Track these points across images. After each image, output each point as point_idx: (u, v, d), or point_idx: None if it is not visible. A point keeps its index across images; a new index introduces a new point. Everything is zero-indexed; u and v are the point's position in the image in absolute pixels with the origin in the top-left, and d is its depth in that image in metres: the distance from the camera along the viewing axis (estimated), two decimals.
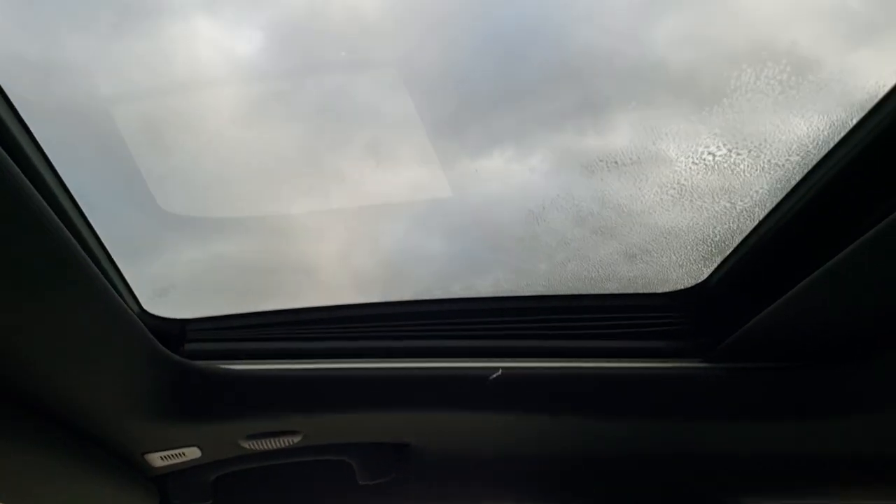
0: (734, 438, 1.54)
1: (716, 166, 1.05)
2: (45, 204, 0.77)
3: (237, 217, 1.29)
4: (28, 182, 0.73)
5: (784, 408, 1.47)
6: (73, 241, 0.84)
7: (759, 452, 1.59)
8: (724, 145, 1.02)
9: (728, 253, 1.23)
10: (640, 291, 1.36)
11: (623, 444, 1.55)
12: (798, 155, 0.99)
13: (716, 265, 1.26)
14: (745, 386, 1.43)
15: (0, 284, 0.81)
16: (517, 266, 1.32)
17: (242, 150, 1.23)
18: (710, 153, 1.03)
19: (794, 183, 1.06)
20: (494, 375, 1.30)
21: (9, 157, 0.69)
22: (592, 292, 1.40)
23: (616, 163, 1.07)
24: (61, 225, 0.81)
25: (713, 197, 1.10)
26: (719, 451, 1.56)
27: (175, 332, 1.36)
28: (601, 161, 1.07)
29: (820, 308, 1.16)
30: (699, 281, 1.32)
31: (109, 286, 0.96)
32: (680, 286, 1.33)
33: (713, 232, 1.17)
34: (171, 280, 1.29)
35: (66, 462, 1.27)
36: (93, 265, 0.90)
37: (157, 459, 1.49)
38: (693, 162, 1.06)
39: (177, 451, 1.47)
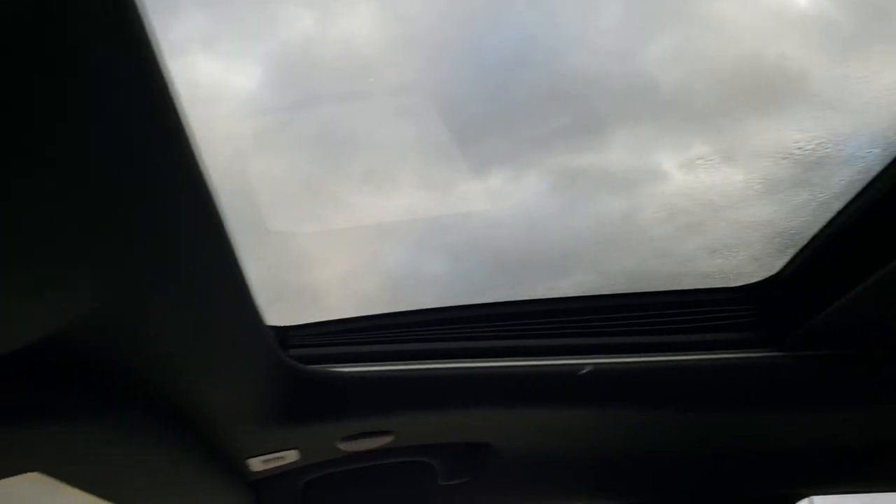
0: (808, 428, 1.60)
1: (803, 160, 1.13)
2: (217, 209, 0.85)
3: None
4: (211, 191, 0.81)
5: (856, 396, 1.53)
6: (231, 244, 0.91)
7: (830, 443, 1.64)
8: (813, 140, 1.09)
9: (802, 245, 1.30)
10: (716, 286, 1.43)
11: (702, 439, 1.61)
12: (879, 147, 1.06)
13: (789, 257, 1.32)
14: (818, 375, 1.48)
15: (166, 287, 0.88)
16: (599, 267, 1.39)
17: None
18: (798, 147, 1.11)
19: (873, 174, 1.13)
20: (584, 371, 1.37)
21: (200, 162, 0.77)
22: (669, 288, 1.47)
23: (708, 159, 1.15)
24: (225, 229, 0.89)
25: (795, 189, 1.17)
26: (795, 441, 1.62)
27: (279, 338, 1.43)
28: (699, 158, 1.15)
29: (894, 298, 1.22)
30: (773, 273, 1.39)
31: (251, 294, 1.03)
32: (754, 279, 1.39)
33: (790, 224, 1.24)
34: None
35: (178, 463, 1.34)
36: (242, 271, 0.98)
37: (258, 463, 1.56)
38: (782, 157, 1.14)
39: (278, 455, 1.54)
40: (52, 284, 0.77)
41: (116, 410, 1.08)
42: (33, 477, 1.10)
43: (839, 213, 1.27)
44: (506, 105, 1.31)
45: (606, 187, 1.38)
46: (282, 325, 1.45)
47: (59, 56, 0.55)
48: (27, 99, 0.57)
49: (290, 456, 1.56)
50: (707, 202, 1.25)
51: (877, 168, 1.12)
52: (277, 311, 1.32)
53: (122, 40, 0.59)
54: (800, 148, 1.12)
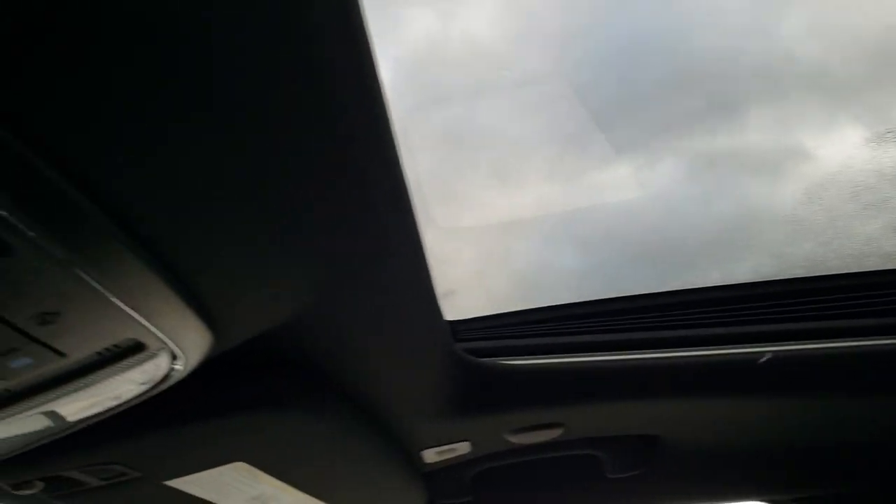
0: None
1: None
2: (412, 205, 0.87)
3: None
4: (408, 187, 0.83)
5: None
6: (421, 239, 0.93)
7: None
8: None
9: None
10: None
11: (893, 428, 1.53)
12: None
13: None
14: None
15: (367, 281, 0.91)
16: (777, 250, 1.34)
17: None
18: None
19: None
20: (764, 359, 1.32)
21: (401, 160, 0.79)
22: (852, 270, 1.40)
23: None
24: (417, 225, 0.91)
25: None
26: None
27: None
28: (889, 132, 1.09)
29: None
30: None
31: (434, 288, 1.05)
32: None
33: None
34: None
35: (361, 454, 1.38)
36: (429, 265, 1.00)
37: (432, 455, 1.58)
38: None
39: (450, 447, 1.56)
40: (276, 281, 0.81)
41: (313, 402, 1.12)
42: (238, 466, 1.16)
43: None
44: (635, 91, 1.28)
45: (750, 169, 1.32)
46: (450, 319, 1.47)
47: (292, 57, 0.58)
48: (267, 101, 0.60)
49: (462, 448, 1.58)
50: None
51: None
52: None
53: (342, 38, 0.62)
54: None
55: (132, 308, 0.66)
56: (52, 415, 0.84)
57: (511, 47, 1.21)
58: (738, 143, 1.28)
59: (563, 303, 1.52)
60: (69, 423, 0.88)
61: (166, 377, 0.82)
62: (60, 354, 0.68)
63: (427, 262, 1.00)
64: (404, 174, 0.82)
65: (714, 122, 1.26)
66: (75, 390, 0.78)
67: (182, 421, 1.03)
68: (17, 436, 0.85)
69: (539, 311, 1.53)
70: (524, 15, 1.26)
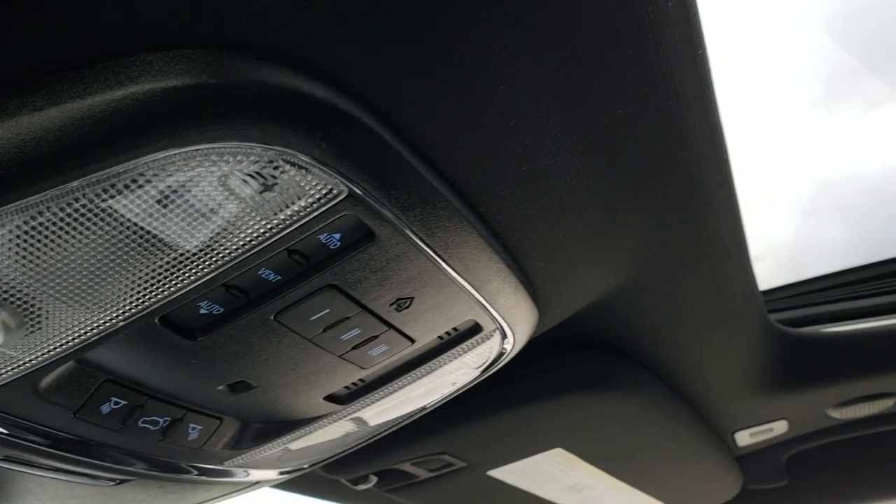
0: None
1: None
2: (731, 170, 0.80)
3: None
4: (727, 152, 0.77)
5: None
6: (739, 207, 0.86)
7: None
8: None
9: None
10: None
11: None
12: None
13: None
14: None
15: (686, 252, 0.86)
16: None
17: None
18: None
19: None
20: None
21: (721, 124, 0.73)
22: None
23: None
24: (735, 192, 0.84)
25: None
26: None
27: None
28: None
29: None
30: None
31: (750, 257, 0.98)
32: None
33: None
34: None
35: (675, 439, 1.32)
36: (745, 233, 0.92)
37: (746, 437, 1.49)
38: None
39: (766, 427, 1.46)
40: (599, 257, 0.78)
41: (628, 384, 1.09)
42: (556, 452, 1.15)
43: None
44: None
45: None
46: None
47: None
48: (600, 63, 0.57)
49: (779, 427, 1.47)
50: None
51: None
52: None
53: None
54: None
55: (476, 289, 0.66)
56: (392, 406, 0.87)
57: None
58: None
59: (877, 261, 1.37)
60: (407, 413, 0.92)
61: (497, 360, 0.82)
62: (410, 340, 0.70)
63: (744, 229, 0.94)
64: (725, 139, 0.77)
65: None
66: (418, 378, 0.80)
67: (504, 407, 1.04)
68: (363, 428, 0.89)
69: (851, 273, 1.40)
70: None
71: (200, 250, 0.52)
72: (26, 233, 0.46)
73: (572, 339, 0.99)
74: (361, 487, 1.19)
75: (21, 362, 0.55)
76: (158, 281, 0.52)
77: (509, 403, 1.03)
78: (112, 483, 0.76)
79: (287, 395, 0.71)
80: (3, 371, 0.55)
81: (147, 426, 0.67)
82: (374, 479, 1.19)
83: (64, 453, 0.67)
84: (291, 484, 1.28)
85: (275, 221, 0.51)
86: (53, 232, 0.46)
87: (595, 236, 0.72)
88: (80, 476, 0.73)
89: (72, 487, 0.75)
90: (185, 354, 0.61)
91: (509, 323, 0.75)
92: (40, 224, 0.46)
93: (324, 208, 0.51)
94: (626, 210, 0.72)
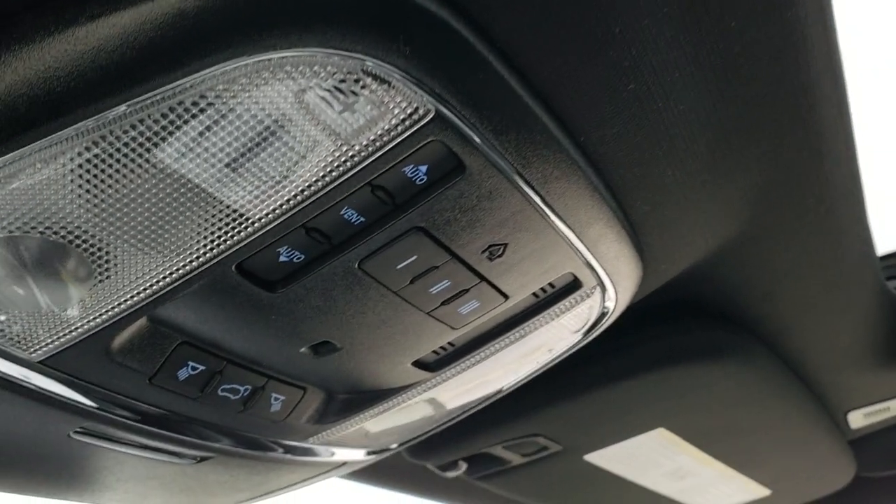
0: None
1: None
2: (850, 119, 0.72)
3: None
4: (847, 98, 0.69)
5: None
6: (857, 160, 0.78)
7: None
8: None
9: None
10: None
11: None
12: None
13: None
14: None
15: (795, 210, 0.77)
16: None
17: None
18: None
19: None
20: None
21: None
22: None
23: None
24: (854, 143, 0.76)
25: None
26: None
27: None
28: None
29: None
30: None
31: (868, 217, 0.89)
32: None
33: None
34: None
35: (785, 418, 1.23)
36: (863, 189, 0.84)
37: (859, 417, 1.38)
38: None
39: (882, 406, 1.35)
40: (707, 207, 0.71)
41: (736, 357, 1.01)
42: (658, 433, 1.07)
43: None
44: None
45: None
46: None
47: None
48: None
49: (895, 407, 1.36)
50: None
51: None
52: None
53: None
54: None
55: (576, 233, 0.60)
56: (484, 376, 0.81)
57: None
58: None
59: None
60: (499, 387, 0.85)
61: (597, 322, 0.75)
62: (504, 296, 0.64)
63: (860, 176, 0.85)
64: (843, 68, 0.69)
65: None
66: (512, 342, 0.74)
67: (602, 383, 0.97)
68: (453, 403, 0.83)
69: None
70: None
71: (277, 182, 0.47)
72: (88, 161, 0.42)
73: (675, 305, 0.92)
74: (451, 474, 1.14)
75: (91, 317, 0.50)
76: (233, 219, 0.48)
77: (608, 378, 0.96)
78: (192, 461, 0.72)
79: (373, 359, 0.66)
80: (73, 328, 0.51)
81: (227, 395, 0.63)
82: (463, 466, 1.13)
83: (140, 425, 0.63)
84: (374, 472, 1.23)
85: (356, 148, 0.46)
86: (117, 160, 0.42)
87: (705, 174, 0.65)
88: (159, 452, 0.69)
89: (152, 466, 0.72)
90: (265, 310, 0.56)
91: (612, 278, 0.68)
92: (103, 151, 0.42)
93: (409, 132, 0.46)
94: (740, 144, 0.64)
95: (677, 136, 0.59)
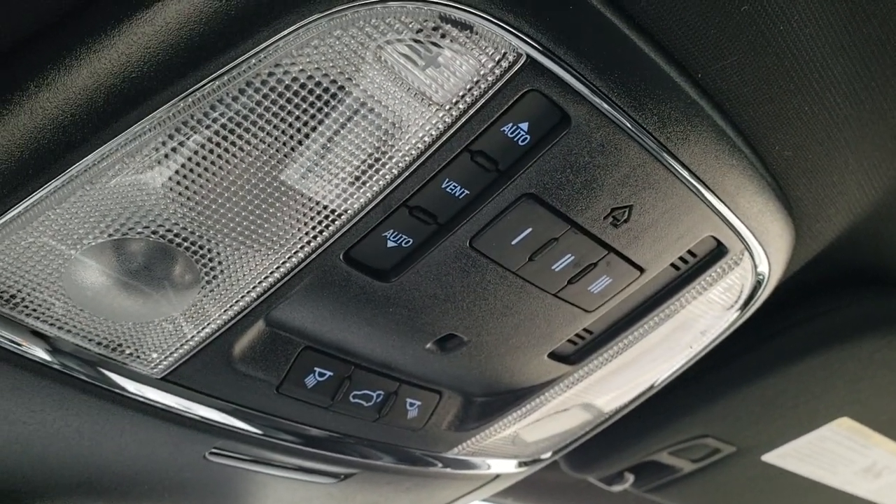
0: None
1: None
2: None
3: None
4: None
5: None
6: None
7: None
8: None
9: None
10: None
11: None
12: None
13: None
14: None
15: None
16: None
17: None
18: None
19: None
20: None
21: None
22: None
23: None
24: None
25: None
26: None
27: None
28: None
29: None
30: None
31: None
32: None
33: None
34: None
35: None
36: None
37: None
38: None
39: None
40: (862, 163, 0.63)
41: None
42: (841, 424, 0.96)
43: None
44: None
45: None
46: None
47: None
48: None
49: None
50: None
51: None
52: None
53: None
54: None
55: (709, 188, 0.54)
56: (635, 371, 0.75)
57: None
58: None
59: None
60: (652, 383, 0.79)
61: (752, 296, 0.68)
62: (638, 269, 0.59)
63: None
64: None
65: None
66: (657, 325, 0.67)
67: (769, 369, 0.88)
68: (602, 401, 0.77)
69: None
70: None
71: (369, 155, 0.44)
72: (174, 150, 0.41)
73: (840, 274, 0.82)
74: (617, 488, 1.06)
75: (205, 324, 0.49)
76: (330, 201, 0.45)
77: (774, 364, 0.87)
78: (336, 479, 0.70)
79: (504, 352, 0.62)
80: (189, 337, 0.50)
81: (359, 402, 0.60)
82: (630, 478, 1.06)
83: (276, 440, 0.61)
84: (533, 491, 1.17)
85: (447, 108, 0.43)
86: (203, 146, 0.41)
87: (847, 108, 0.57)
88: (300, 472, 0.67)
89: (294, 488, 0.70)
90: (382, 303, 0.53)
91: (759, 238, 0.61)
92: (187, 138, 0.40)
93: (501, 82, 0.42)
94: (884, 70, 0.56)
95: (807, 63, 0.52)
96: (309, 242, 0.47)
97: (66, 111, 0.38)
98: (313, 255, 0.48)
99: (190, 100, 0.39)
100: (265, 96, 0.40)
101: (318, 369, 0.57)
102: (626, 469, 1.05)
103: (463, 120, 0.44)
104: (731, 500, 1.17)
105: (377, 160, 0.45)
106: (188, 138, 0.40)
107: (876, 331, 0.85)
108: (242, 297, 0.49)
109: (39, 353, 0.48)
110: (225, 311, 0.49)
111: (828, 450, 1.04)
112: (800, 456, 1.05)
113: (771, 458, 1.04)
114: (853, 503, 1.23)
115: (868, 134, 0.62)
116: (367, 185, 0.45)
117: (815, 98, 0.55)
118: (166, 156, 0.41)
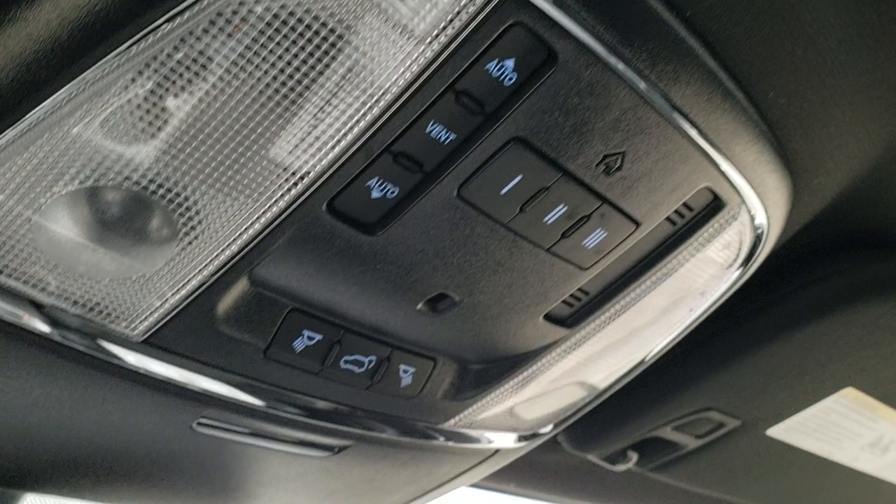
0: None
1: None
2: None
3: None
4: None
5: None
6: None
7: None
8: None
9: None
10: None
11: None
12: None
13: None
14: None
15: None
16: None
17: None
18: None
19: None
20: None
21: None
22: None
23: None
24: None
25: None
26: None
27: None
28: None
29: None
30: None
31: None
32: None
33: None
34: None
35: None
36: None
37: None
38: None
39: None
40: (863, 117, 0.61)
41: None
42: (846, 395, 0.94)
43: None
44: None
45: None
46: None
47: None
48: None
49: None
50: None
51: None
52: None
53: None
54: None
55: (702, 133, 0.52)
56: (634, 336, 0.73)
57: None
58: None
59: None
60: (651, 348, 0.77)
61: (752, 253, 0.66)
62: (634, 222, 0.57)
63: None
64: None
65: None
66: (655, 284, 0.66)
67: (771, 337, 0.86)
68: (600, 369, 0.75)
69: None
70: None
71: (348, 93, 0.42)
72: (144, 89, 0.39)
73: (841, 236, 0.80)
74: (620, 467, 1.04)
75: (185, 280, 0.47)
76: (309, 144, 0.44)
77: (775, 332, 0.85)
78: (330, 452, 0.68)
79: (498, 313, 0.60)
80: (169, 294, 0.48)
81: (351, 367, 0.59)
82: (633, 456, 1.04)
83: (265, 409, 0.59)
84: (533, 474, 1.15)
85: (427, 41, 0.41)
86: (174, 84, 0.39)
87: (842, 53, 0.55)
88: (292, 445, 0.65)
89: (288, 462, 0.68)
90: (369, 259, 0.51)
91: (756, 190, 0.59)
92: (157, 74, 0.38)
93: (483, 14, 0.40)
94: (880, 18, 0.54)
95: (798, 2, 0.50)
96: (290, 189, 0.46)
97: (29, 48, 0.36)
98: (295, 204, 0.46)
99: (158, 33, 0.37)
100: (236, 27, 0.38)
101: (306, 332, 0.55)
102: (629, 447, 1.03)
103: (445, 55, 0.42)
104: (738, 479, 1.15)
105: (357, 98, 0.43)
106: (157, 76, 0.38)
107: (879, 295, 0.83)
108: (223, 250, 0.47)
109: (14, 314, 0.46)
110: (206, 265, 0.48)
111: (834, 423, 1.02)
112: (805, 430, 1.03)
113: (776, 432, 1.02)
114: (860, 480, 1.21)
115: (864, 84, 0.60)
116: (347, 125, 0.44)
117: (808, 41, 0.53)
118: (136, 95, 0.39)
